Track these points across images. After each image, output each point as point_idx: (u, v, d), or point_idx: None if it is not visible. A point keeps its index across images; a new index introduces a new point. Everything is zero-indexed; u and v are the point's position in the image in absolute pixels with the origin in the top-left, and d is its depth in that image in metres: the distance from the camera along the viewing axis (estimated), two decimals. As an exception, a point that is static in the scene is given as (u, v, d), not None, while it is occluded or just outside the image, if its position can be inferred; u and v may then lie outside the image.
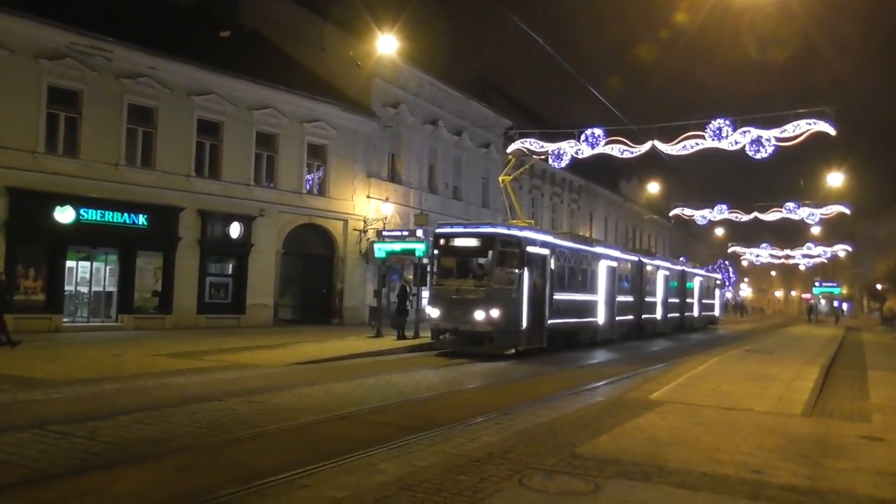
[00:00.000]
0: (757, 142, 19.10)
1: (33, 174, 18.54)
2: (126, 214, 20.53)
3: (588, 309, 21.50)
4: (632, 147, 21.23)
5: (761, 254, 60.38)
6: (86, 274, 20.82)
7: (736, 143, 19.28)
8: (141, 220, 20.87)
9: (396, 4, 29.32)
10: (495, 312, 16.17)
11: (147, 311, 21.48)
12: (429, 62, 31.89)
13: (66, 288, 19.93)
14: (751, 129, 19.13)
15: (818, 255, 58.76)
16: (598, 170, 42.93)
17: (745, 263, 73.14)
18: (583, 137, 21.46)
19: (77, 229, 19.37)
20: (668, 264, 32.35)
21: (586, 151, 21.52)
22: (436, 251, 17.53)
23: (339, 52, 27.60)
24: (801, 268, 74.00)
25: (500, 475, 5.74)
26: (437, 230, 17.63)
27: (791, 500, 5.38)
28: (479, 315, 16.20)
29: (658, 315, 29.24)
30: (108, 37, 19.97)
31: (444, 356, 16.90)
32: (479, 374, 14.41)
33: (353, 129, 27.60)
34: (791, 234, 65.12)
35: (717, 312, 43.73)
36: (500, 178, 22.61)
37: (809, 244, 57.71)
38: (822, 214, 32.88)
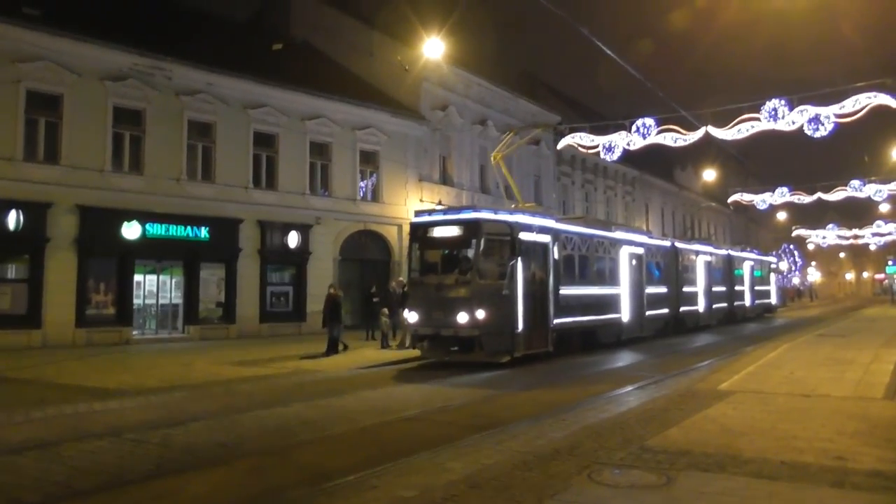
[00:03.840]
0: (815, 120, 18.39)
1: (101, 192, 19.27)
2: (189, 228, 21.15)
3: (608, 303, 18.84)
4: (685, 134, 20.69)
5: (828, 235, 58.10)
6: (152, 287, 21.51)
7: (793, 123, 18.58)
8: (203, 232, 21.45)
9: (442, 8, 29.44)
10: (482, 313, 13.66)
11: (212, 321, 22.05)
12: (475, 63, 31.85)
13: (135, 301, 20.62)
14: (808, 107, 18.41)
15: (889, 233, 56.17)
16: (651, 160, 42.12)
17: (811, 247, 70.59)
18: (634, 128, 20.99)
19: (143, 244, 20.04)
20: (709, 248, 29.07)
21: (638, 142, 21.03)
22: (414, 243, 15.27)
23: (387, 59, 27.85)
24: (872, 247, 70.92)
25: (568, 471, 5.64)
26: (414, 218, 15.47)
27: (879, 485, 5.11)
28: (462, 317, 13.70)
29: (700, 306, 26.40)
30: (168, 56, 20.64)
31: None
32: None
33: (404, 134, 27.76)
34: (858, 212, 62.43)
35: (773, 299, 39.81)
36: (491, 156, 19.91)
37: (879, 222, 55.08)
38: (889, 190, 31.42)
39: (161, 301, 21.72)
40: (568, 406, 9.15)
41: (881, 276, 73.68)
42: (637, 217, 45.75)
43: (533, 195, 35.27)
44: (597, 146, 22.27)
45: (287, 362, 14.95)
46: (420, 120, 28.17)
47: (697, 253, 26.97)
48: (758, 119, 19.06)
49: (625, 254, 19.98)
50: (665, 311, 22.84)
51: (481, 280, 14.10)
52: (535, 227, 15.39)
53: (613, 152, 21.90)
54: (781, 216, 61.38)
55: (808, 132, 18.59)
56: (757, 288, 34.87)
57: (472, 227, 14.35)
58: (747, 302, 33.14)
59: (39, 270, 18.31)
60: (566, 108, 41.57)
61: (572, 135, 23.14)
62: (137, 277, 20.78)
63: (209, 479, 6.16)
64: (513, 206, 18.20)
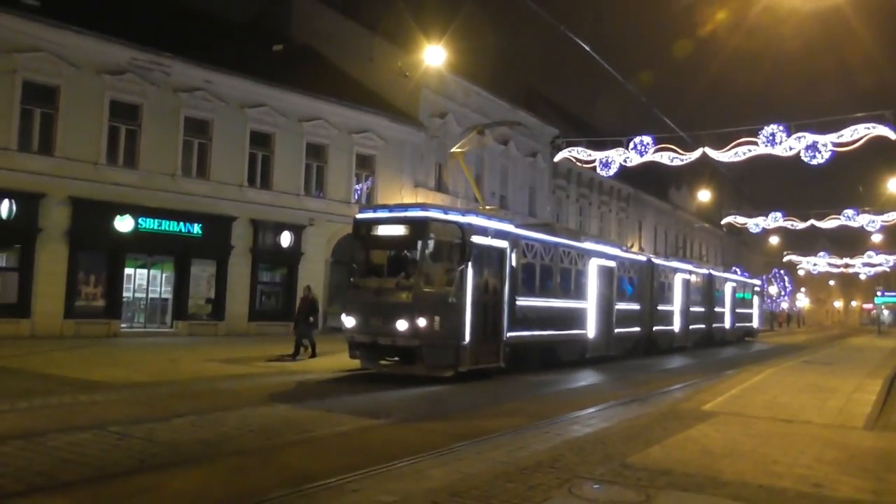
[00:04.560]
0: (813, 147, 18.63)
1: (95, 185, 19.23)
2: (182, 223, 21.12)
3: (572, 318, 17.49)
4: (682, 154, 20.91)
5: (819, 262, 58.63)
6: (143, 281, 21.47)
7: (790, 148, 18.83)
8: (196, 229, 21.43)
9: (444, 16, 29.68)
10: (424, 321, 12.45)
11: (201, 317, 22.01)
12: (475, 72, 32.02)
13: (124, 294, 20.56)
14: (806, 134, 18.68)
15: (880, 264, 56.72)
16: (646, 178, 42.33)
17: (801, 273, 71.05)
18: (631, 145, 21.22)
19: (135, 238, 20.00)
20: (688, 267, 27.86)
21: (635, 159, 21.25)
22: (356, 242, 14.15)
23: (388, 64, 27.95)
24: (862, 277, 71.51)
25: (549, 483, 5.69)
26: (358, 215, 14.15)
27: (852, 514, 5.20)
28: (401, 324, 12.48)
29: (676, 326, 24.98)
30: (167, 52, 20.65)
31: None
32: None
33: (401, 140, 27.84)
34: (850, 242, 63.05)
35: (755, 323, 38.32)
36: (451, 151, 18.45)
37: (870, 252, 55.67)
38: (883, 221, 31.81)
39: (151, 295, 21.68)
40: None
41: (869, 305, 74.15)
42: (630, 234, 45.95)
43: (527, 207, 35.45)
44: (593, 161, 22.46)
45: (274, 362, 14.92)
46: (418, 126, 28.27)
47: (675, 270, 25.76)
48: (755, 143, 19.26)
49: (594, 266, 18.67)
50: (636, 329, 21.64)
51: (426, 285, 12.88)
52: (491, 230, 14.08)
53: (610, 168, 22.09)
54: (774, 241, 61.78)
55: (806, 159, 18.82)
56: (738, 310, 33.65)
57: (418, 227, 13.05)
58: (727, 324, 31.87)
59: (30, 260, 18.25)
60: (564, 122, 41.79)
61: (569, 149, 23.33)
62: (128, 271, 20.73)
63: (191, 476, 6.16)
64: (478, 207, 17.37)
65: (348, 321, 13.42)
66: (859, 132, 17.79)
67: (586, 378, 15.74)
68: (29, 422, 7.96)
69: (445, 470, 6.11)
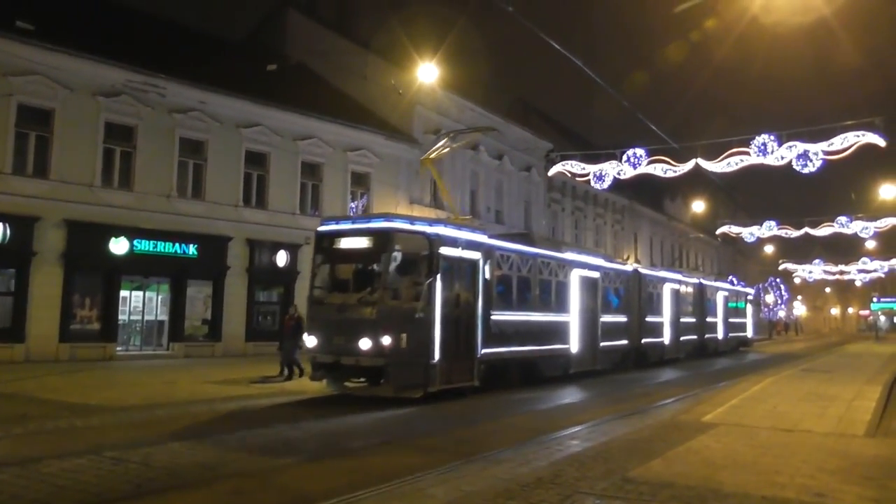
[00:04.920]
0: (804, 156, 18.71)
1: (90, 207, 19.20)
2: (177, 245, 21.08)
3: (554, 332, 16.80)
4: (675, 166, 20.97)
5: (814, 270, 58.71)
6: (138, 303, 21.36)
7: (782, 158, 18.90)
8: (191, 249, 21.39)
9: (436, 33, 29.82)
10: (389, 339, 11.70)
11: (197, 338, 21.92)
12: (469, 88, 32.22)
13: (120, 317, 20.45)
14: (797, 143, 18.75)
15: (875, 270, 56.88)
16: (641, 189, 42.51)
17: (797, 281, 71.14)
18: (625, 158, 21.28)
19: (131, 259, 19.94)
20: (677, 276, 27.17)
21: (629, 172, 21.30)
22: (318, 255, 13.38)
23: (381, 82, 28.05)
24: (858, 283, 71.63)
25: (550, 500, 5.65)
26: (319, 227, 13.45)
27: (856, 524, 5.16)
28: (365, 343, 11.74)
29: (666, 338, 24.28)
30: (162, 73, 20.70)
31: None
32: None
33: (396, 157, 27.91)
34: (845, 248, 63.05)
35: (749, 333, 37.70)
36: (420, 160, 17.72)
37: (865, 259, 55.80)
38: (876, 228, 31.88)
39: (147, 317, 21.57)
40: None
41: (866, 312, 74.29)
42: (626, 246, 46.01)
43: (522, 221, 35.49)
44: (587, 174, 22.51)
45: (273, 384, 14.85)
46: (412, 143, 28.35)
47: (663, 280, 25.12)
48: (747, 153, 19.35)
49: (576, 277, 18.01)
50: (624, 342, 20.95)
51: (392, 300, 12.11)
52: (462, 241, 13.38)
53: (604, 181, 22.13)
54: (769, 249, 61.91)
55: (797, 168, 18.89)
56: (731, 320, 33.10)
57: (382, 239, 12.36)
58: (720, 335, 31.07)
59: (25, 284, 18.17)
60: (558, 135, 41.95)
61: (563, 162, 23.40)
62: (123, 293, 20.63)
63: (189, 500, 6.11)
64: (449, 217, 16.90)
65: (310, 340, 12.69)
66: (849, 140, 17.87)
67: (569, 395, 14.99)
68: (25, 448, 7.89)
69: (446, 488, 6.06)
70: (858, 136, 17.78)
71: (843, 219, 32.42)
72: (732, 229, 36.24)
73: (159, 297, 21.79)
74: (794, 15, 18.95)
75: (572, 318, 17.63)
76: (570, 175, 23.49)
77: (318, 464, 7.68)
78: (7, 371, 15.18)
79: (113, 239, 19.55)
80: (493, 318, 14.10)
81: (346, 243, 12.96)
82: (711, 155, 20.44)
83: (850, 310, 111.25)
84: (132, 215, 20.02)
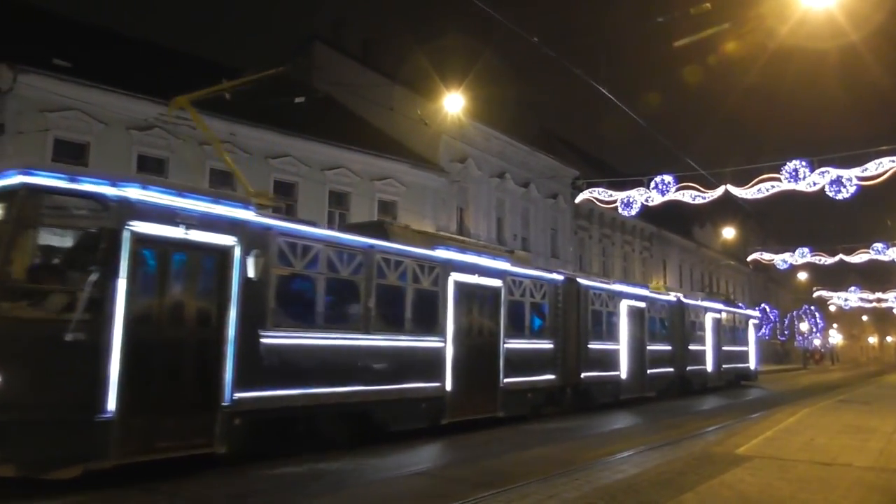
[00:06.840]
0: (837, 182, 18.46)
1: (122, 238, 19.51)
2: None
3: (410, 364, 11.57)
4: (704, 192, 20.83)
5: (850, 298, 57.49)
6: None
7: (814, 184, 18.67)
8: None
9: (462, 64, 30.15)
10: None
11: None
12: (495, 117, 32.34)
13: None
14: (829, 169, 18.53)
15: (913, 298, 55.51)
16: (669, 216, 42.14)
17: (832, 308, 69.67)
18: (652, 185, 21.19)
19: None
20: (643, 292, 20.88)
21: (656, 199, 21.20)
22: None
23: (408, 112, 28.27)
24: (896, 312, 69.87)
25: (579, 534, 5.50)
26: None
27: (900, 564, 4.94)
28: None
29: (623, 371, 18.41)
30: (193, 107, 21.09)
31: None
32: None
33: (422, 185, 28.07)
34: (882, 275, 61.86)
35: (752, 363, 30.47)
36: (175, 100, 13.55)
37: (903, 286, 54.60)
38: (914, 255, 31.22)
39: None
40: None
41: (905, 339, 72.28)
42: (655, 273, 45.50)
43: (549, 248, 35.36)
44: (615, 201, 22.46)
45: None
46: (439, 171, 28.51)
47: (619, 295, 19.07)
48: (778, 179, 19.16)
49: (451, 284, 12.70)
50: (549, 377, 15.34)
51: (14, 308, 7.22)
52: (192, 214, 8.37)
53: (632, 208, 22.04)
54: (802, 276, 60.81)
55: (830, 194, 18.63)
56: (726, 348, 26.71)
57: (10, 201, 7.47)
58: (708, 366, 24.70)
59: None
60: (584, 163, 41.88)
61: (590, 189, 23.39)
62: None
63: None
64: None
65: None
66: (884, 165, 17.63)
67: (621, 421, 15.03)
68: None
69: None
70: (893, 162, 17.52)
71: (879, 245, 31.81)
72: (764, 256, 35.76)
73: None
74: (820, 40, 18.81)
75: (447, 339, 12.32)
76: (597, 202, 23.44)
77: (347, 493, 7.61)
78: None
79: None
80: (265, 341, 9.07)
81: None
82: (741, 181, 20.30)
83: (889, 339, 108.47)
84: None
